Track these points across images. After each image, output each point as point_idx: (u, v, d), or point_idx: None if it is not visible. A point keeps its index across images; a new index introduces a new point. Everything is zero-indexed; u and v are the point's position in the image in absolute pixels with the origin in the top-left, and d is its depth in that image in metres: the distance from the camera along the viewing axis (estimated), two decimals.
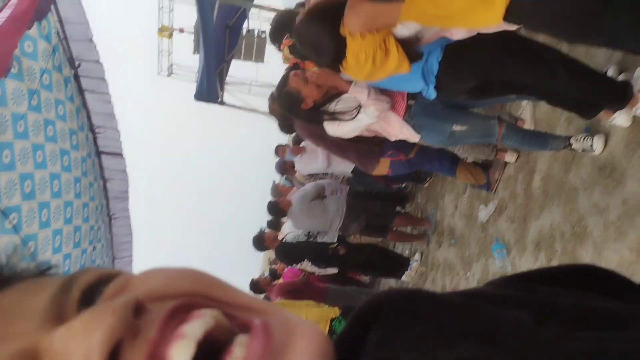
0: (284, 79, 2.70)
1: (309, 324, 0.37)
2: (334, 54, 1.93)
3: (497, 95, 2.45)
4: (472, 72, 2.26)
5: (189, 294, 0.37)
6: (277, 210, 4.89)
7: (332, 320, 4.11)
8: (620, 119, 2.40)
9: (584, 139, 2.56)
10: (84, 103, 5.49)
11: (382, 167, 3.85)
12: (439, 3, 1.62)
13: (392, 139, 2.84)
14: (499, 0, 1.53)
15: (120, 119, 6.13)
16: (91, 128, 5.81)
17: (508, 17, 1.56)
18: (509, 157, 3.46)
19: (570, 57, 2.28)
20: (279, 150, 6.01)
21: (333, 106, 2.65)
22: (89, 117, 5.69)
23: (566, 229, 2.69)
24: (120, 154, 6.11)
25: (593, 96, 2.33)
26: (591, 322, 0.42)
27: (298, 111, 2.67)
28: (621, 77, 2.41)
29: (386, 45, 1.78)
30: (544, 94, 2.38)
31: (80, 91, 5.39)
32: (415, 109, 2.70)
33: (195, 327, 0.34)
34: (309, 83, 2.59)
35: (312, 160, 5.35)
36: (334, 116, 2.62)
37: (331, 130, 2.71)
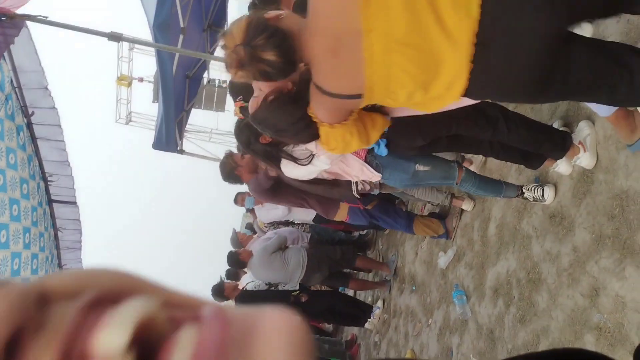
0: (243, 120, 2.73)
1: (278, 309, 0.30)
2: (299, 138, 2.01)
3: (445, 149, 2.57)
4: (421, 132, 2.36)
5: (113, 290, 0.30)
6: (237, 261, 4.80)
7: None
8: (562, 167, 2.55)
9: (535, 189, 2.67)
10: (36, 151, 5.34)
11: (342, 212, 3.91)
12: (396, 99, 1.60)
13: (354, 180, 2.87)
14: (452, 95, 1.54)
15: (75, 167, 5.98)
16: (43, 176, 5.63)
17: (467, 95, 1.58)
18: (466, 205, 3.56)
19: (511, 111, 2.43)
20: (238, 198, 5.99)
21: (290, 148, 2.67)
22: (41, 165, 5.53)
23: (522, 275, 2.76)
24: (73, 203, 5.92)
25: (534, 146, 2.46)
26: None
27: (256, 145, 2.66)
28: (562, 129, 2.56)
29: (357, 128, 1.79)
30: (489, 149, 2.52)
31: (33, 139, 5.25)
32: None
33: (130, 309, 0.26)
34: None
35: (273, 208, 5.35)
36: (292, 158, 2.64)
37: (288, 170, 2.72)
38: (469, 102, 1.76)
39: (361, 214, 3.93)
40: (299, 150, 2.62)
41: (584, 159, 2.37)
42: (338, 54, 1.51)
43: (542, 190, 2.64)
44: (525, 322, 2.64)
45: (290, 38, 1.56)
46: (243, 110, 2.50)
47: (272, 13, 1.61)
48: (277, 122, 1.98)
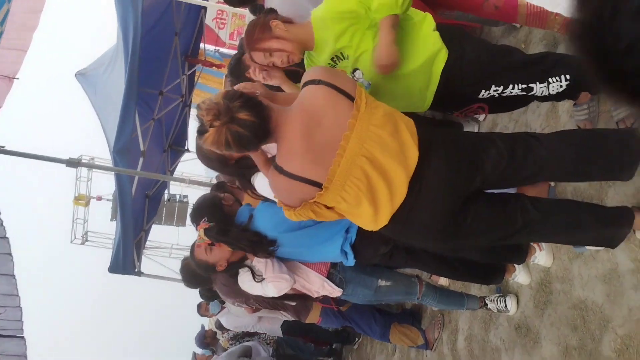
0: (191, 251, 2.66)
1: None
2: None
3: (404, 265, 2.59)
4: (381, 239, 2.41)
5: None
6: None
7: None
8: (521, 277, 2.59)
9: (497, 300, 2.69)
10: None
11: (314, 314, 3.76)
12: (347, 198, 1.71)
13: (314, 295, 2.80)
14: (386, 210, 1.70)
15: (24, 296, 5.65)
16: None
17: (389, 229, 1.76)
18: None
19: None
20: (202, 306, 5.74)
21: (249, 263, 2.62)
22: None
23: None
24: (20, 337, 5.50)
25: (493, 257, 2.51)
26: None
27: (215, 274, 2.64)
28: None
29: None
30: (449, 269, 2.56)
31: None
32: (341, 263, 2.74)
33: None
34: (214, 250, 2.57)
35: (241, 314, 5.08)
36: (250, 270, 2.56)
37: (243, 285, 2.64)
38: None
39: (334, 316, 3.78)
40: (258, 264, 2.56)
41: (541, 257, 2.42)
42: (311, 137, 1.62)
43: (505, 300, 2.66)
44: None
45: (266, 109, 1.65)
46: (207, 232, 2.43)
47: (247, 89, 1.72)
48: None
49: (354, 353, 5.42)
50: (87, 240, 8.44)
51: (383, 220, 1.70)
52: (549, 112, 2.64)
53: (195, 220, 2.45)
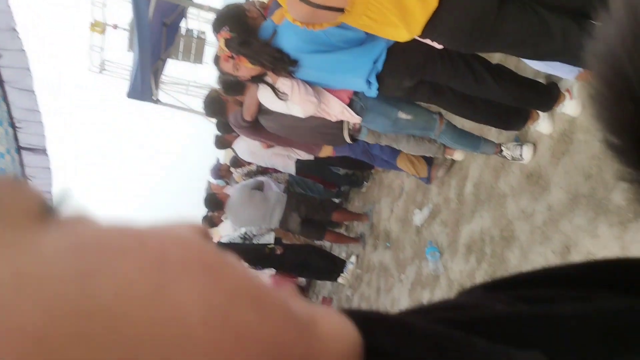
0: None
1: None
2: None
3: (427, 100, 2.55)
4: (408, 72, 2.35)
5: None
6: (215, 202, 4.74)
7: None
8: (544, 125, 2.55)
9: (514, 148, 2.69)
10: (4, 96, 5.13)
11: (328, 148, 3.84)
12: (373, 17, 1.74)
13: (333, 119, 2.83)
14: (418, 23, 1.71)
15: (46, 115, 5.77)
16: (11, 122, 5.44)
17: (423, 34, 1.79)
18: (458, 155, 3.46)
19: (497, 64, 2.40)
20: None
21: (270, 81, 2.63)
22: (9, 111, 5.33)
23: (495, 233, 2.81)
24: (43, 150, 5.75)
25: (521, 100, 2.44)
26: (619, 336, 0.33)
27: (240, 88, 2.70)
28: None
29: None
30: (472, 110, 2.51)
31: (1, 83, 5.03)
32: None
33: None
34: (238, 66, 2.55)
35: (256, 149, 5.22)
36: (273, 88, 2.59)
37: (264, 100, 2.68)
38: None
39: (348, 145, 3.85)
40: (284, 86, 2.55)
41: (570, 106, 2.35)
42: None
43: (521, 149, 2.66)
44: (496, 277, 2.71)
45: None
46: (229, 42, 2.36)
47: None
48: None
49: (361, 196, 5.67)
50: (104, 69, 8.39)
51: (416, 30, 1.70)
52: None
53: (217, 28, 2.36)
